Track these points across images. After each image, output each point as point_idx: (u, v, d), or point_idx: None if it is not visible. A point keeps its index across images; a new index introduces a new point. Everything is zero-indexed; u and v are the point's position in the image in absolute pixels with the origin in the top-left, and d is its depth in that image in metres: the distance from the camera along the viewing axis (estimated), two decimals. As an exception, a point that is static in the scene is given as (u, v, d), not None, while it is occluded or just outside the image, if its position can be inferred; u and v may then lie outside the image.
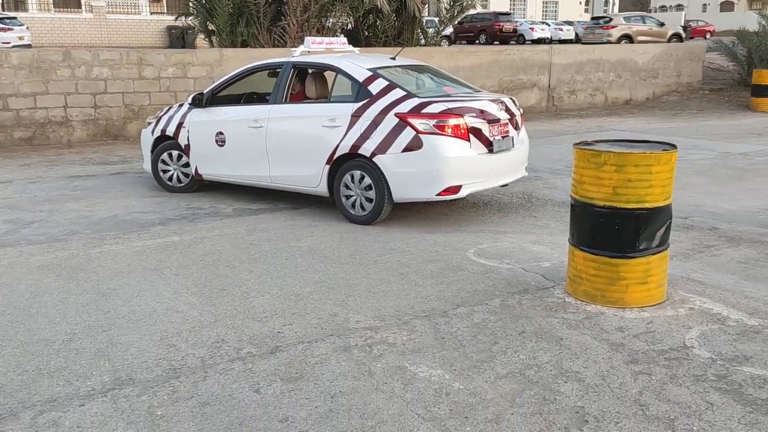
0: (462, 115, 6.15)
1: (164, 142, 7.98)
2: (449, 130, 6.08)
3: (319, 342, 3.90)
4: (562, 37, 41.16)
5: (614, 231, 4.30)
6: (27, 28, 28.02)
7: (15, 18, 28.45)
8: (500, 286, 4.82)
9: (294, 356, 3.72)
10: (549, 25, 43.00)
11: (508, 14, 42.29)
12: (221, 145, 7.41)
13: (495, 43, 35.57)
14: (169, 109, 8.14)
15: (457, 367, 3.58)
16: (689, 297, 4.54)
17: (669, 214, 4.41)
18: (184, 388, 3.38)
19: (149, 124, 8.28)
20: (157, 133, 7.99)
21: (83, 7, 38.83)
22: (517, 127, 6.78)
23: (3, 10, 38.74)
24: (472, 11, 45.47)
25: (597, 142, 4.67)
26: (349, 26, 15.63)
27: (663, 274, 4.48)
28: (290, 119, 6.95)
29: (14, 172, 9.50)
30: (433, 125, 6.06)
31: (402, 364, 3.62)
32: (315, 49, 7.96)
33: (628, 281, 4.35)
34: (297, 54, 7.64)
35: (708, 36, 46.53)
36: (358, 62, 6.96)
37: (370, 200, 6.39)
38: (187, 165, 7.86)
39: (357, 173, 6.42)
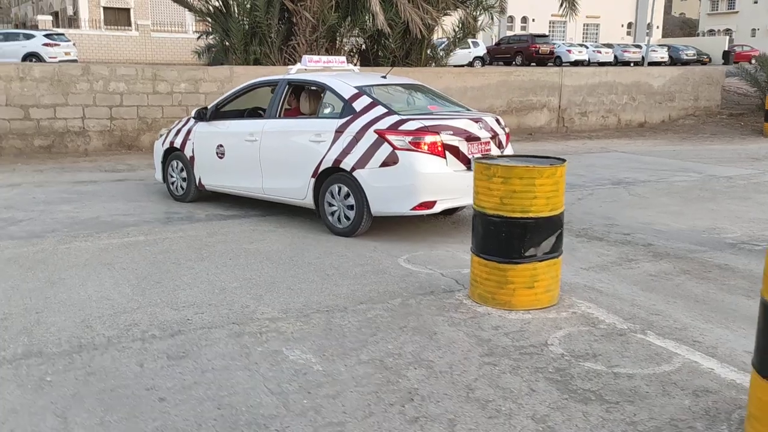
0: (438, 133, 6.39)
1: (173, 154, 8.49)
2: (425, 147, 6.30)
3: (219, 328, 4.35)
4: (601, 60, 41.15)
5: (502, 238, 4.67)
6: (74, 44, 29.38)
7: (62, 34, 29.87)
8: (411, 288, 5.20)
9: (190, 339, 4.18)
10: (587, 48, 42.99)
11: (545, 36, 42.49)
12: (221, 157, 7.81)
13: (531, 64, 35.80)
14: (179, 123, 8.63)
15: (327, 353, 3.98)
16: (578, 303, 4.85)
17: (558, 224, 4.75)
18: (81, 360, 3.86)
19: (161, 136, 8.80)
20: (167, 145, 8.51)
21: (133, 25, 40.52)
22: (500, 146, 6.98)
23: (58, 26, 40.72)
24: (509, 33, 45.83)
25: (500, 157, 5.03)
26: (362, 47, 16.16)
27: (552, 280, 4.80)
28: (282, 133, 7.30)
29: (26, 177, 10.24)
30: (409, 141, 6.31)
31: (280, 349, 4.04)
32: (312, 68, 8.37)
33: (515, 285, 4.70)
34: (293, 71, 8.05)
35: (752, 61, 45.83)
36: (347, 80, 7.27)
37: (350, 214, 6.62)
38: (185, 175, 8.29)
39: (339, 187, 6.71)
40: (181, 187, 8.43)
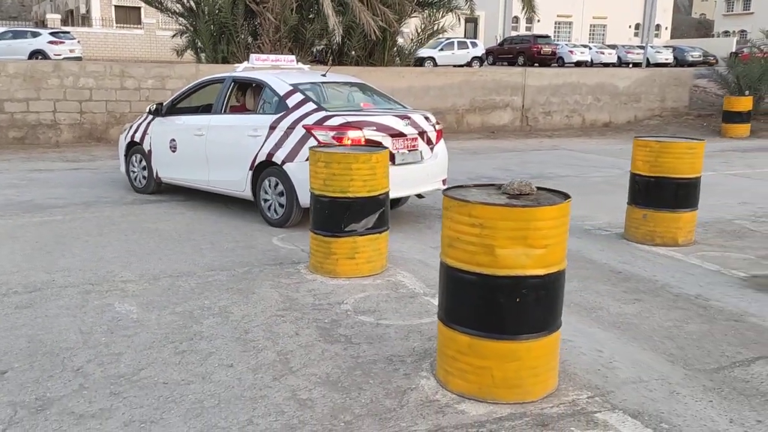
0: (361, 128, 6.78)
1: (133, 147, 9.06)
2: (348, 142, 6.67)
3: (73, 287, 5.13)
4: (604, 61, 41.36)
5: (326, 215, 5.39)
6: (78, 41, 30.43)
7: (68, 32, 30.94)
8: (265, 260, 5.94)
9: (43, 295, 4.94)
10: (590, 49, 43.23)
11: (546, 37, 42.82)
12: (174, 151, 8.31)
13: (534, 65, 36.21)
14: (140, 118, 9.18)
15: (151, 306, 4.74)
16: (399, 273, 5.56)
17: (379, 204, 5.46)
18: (-58, 307, 4.66)
19: (124, 130, 9.38)
20: (129, 139, 9.09)
21: (143, 24, 41.59)
22: (429, 142, 7.37)
23: (72, 25, 41.97)
24: (513, 33, 46.19)
25: (338, 146, 5.76)
26: (334, 47, 16.89)
27: (374, 252, 5.52)
28: (224, 128, 7.81)
29: (-10, 165, 11.12)
30: (332, 136, 6.71)
31: (113, 303, 4.80)
32: (260, 66, 8.87)
33: (338, 256, 5.42)
34: (240, 69, 8.62)
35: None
36: (284, 78, 7.72)
37: (282, 205, 6.97)
38: (145, 168, 8.80)
39: (272, 179, 7.14)
40: (142, 179, 8.91)
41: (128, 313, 4.61)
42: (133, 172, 9.05)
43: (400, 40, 17.18)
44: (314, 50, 16.39)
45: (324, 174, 5.32)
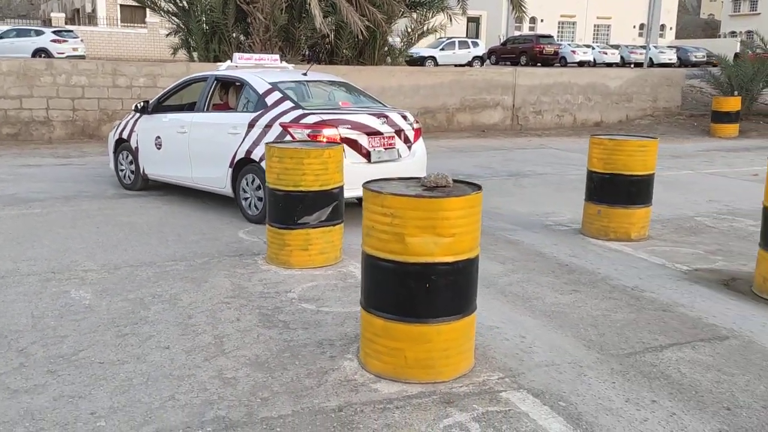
0: (336, 126, 6.95)
1: (122, 145, 9.21)
2: (323, 139, 6.80)
3: (36, 275, 5.35)
4: (607, 61, 41.38)
5: (280, 207, 5.60)
6: (81, 40, 30.78)
7: (71, 31, 31.30)
8: (226, 251, 6.15)
9: (5, 283, 5.16)
10: (593, 48, 43.27)
11: (549, 37, 42.90)
12: (159, 148, 8.48)
13: (537, 65, 36.31)
14: (128, 115, 9.34)
15: (105, 293, 4.96)
16: (351, 264, 5.75)
17: (332, 197, 5.66)
18: None
19: (114, 128, 9.55)
20: (117, 136, 9.28)
21: (147, 23, 41.93)
22: (407, 141, 7.54)
23: (78, 24, 42.39)
24: (516, 33, 46.26)
25: (299, 142, 5.97)
26: (327, 45, 17.09)
27: (327, 244, 5.72)
28: (206, 126, 7.98)
29: (-20, 161, 11.38)
30: (308, 134, 6.86)
31: (70, 290, 5.02)
32: (243, 64, 8.98)
33: (292, 247, 5.63)
34: (223, 68, 8.78)
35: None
36: (264, 77, 7.87)
37: (261, 199, 7.00)
38: (133, 165, 8.94)
39: (250, 176, 7.26)
40: (130, 176, 9.07)
41: (82, 299, 4.82)
42: (122, 168, 9.21)
43: (393, 40, 17.36)
44: (306, 50, 16.59)
45: (278, 168, 5.53)
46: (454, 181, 3.77)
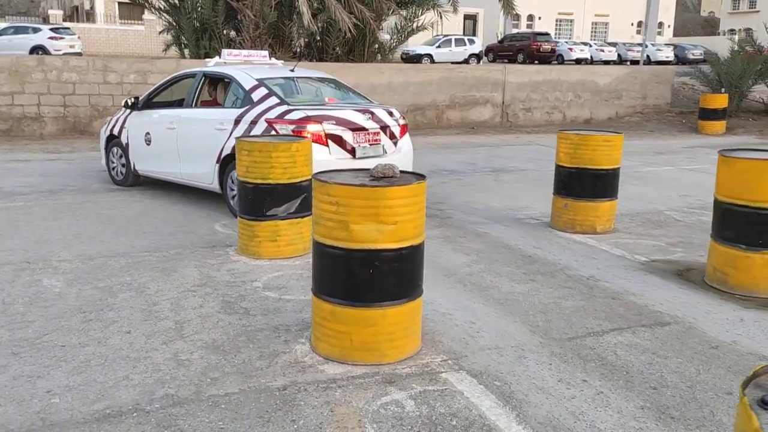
0: (320, 122, 7.04)
1: (113, 141, 9.31)
2: (308, 135, 6.84)
3: (11, 266, 5.52)
4: (604, 58, 41.49)
5: (249, 200, 5.77)
6: (78, 37, 30.96)
7: (68, 28, 31.50)
8: (200, 243, 6.32)
9: (-18, 271, 5.35)
10: (590, 46, 43.34)
11: (546, 35, 43.03)
12: (149, 144, 8.58)
13: (534, 62, 36.42)
14: (119, 112, 9.44)
15: (76, 282, 5.13)
16: (319, 255, 5.91)
17: (300, 190, 5.83)
18: None
19: (105, 124, 9.63)
20: (108, 132, 9.39)
21: (144, 20, 42.09)
22: (392, 137, 7.63)
23: (77, 21, 42.58)
24: (514, 30, 46.38)
25: (269, 136, 6.13)
26: (318, 43, 17.26)
27: (296, 236, 5.89)
28: (194, 122, 8.06)
29: (-28, 156, 11.56)
30: (292, 130, 6.94)
31: (42, 278, 5.19)
32: (231, 61, 9.08)
33: (261, 239, 5.80)
34: (211, 64, 8.91)
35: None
36: (251, 73, 7.96)
37: None
38: (123, 160, 9.03)
39: (236, 172, 7.23)
40: (121, 172, 9.17)
41: (52, 287, 5.00)
42: (113, 164, 9.32)
43: (383, 37, 17.52)
44: (296, 47, 16.75)
45: (247, 161, 5.69)
46: (403, 172, 3.93)
